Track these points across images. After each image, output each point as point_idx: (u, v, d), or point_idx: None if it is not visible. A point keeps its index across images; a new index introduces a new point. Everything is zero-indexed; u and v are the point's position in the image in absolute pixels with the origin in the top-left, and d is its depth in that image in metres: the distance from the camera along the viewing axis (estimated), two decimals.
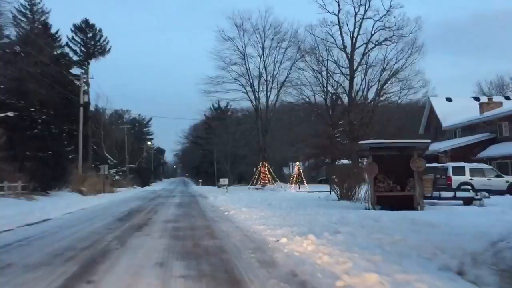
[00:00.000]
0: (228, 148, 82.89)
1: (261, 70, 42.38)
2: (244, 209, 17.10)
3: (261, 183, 41.62)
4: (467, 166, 25.74)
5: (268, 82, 41.85)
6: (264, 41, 42.75)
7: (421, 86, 44.04)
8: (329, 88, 48.40)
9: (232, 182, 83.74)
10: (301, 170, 31.02)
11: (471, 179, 24.56)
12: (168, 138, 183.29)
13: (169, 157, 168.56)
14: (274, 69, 42.14)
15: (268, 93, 42.05)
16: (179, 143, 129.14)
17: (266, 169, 42.32)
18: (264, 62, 42.35)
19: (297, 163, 30.32)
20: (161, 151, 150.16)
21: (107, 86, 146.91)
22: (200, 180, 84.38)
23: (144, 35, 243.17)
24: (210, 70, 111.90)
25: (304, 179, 33.26)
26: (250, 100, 42.42)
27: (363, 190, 19.00)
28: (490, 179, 24.84)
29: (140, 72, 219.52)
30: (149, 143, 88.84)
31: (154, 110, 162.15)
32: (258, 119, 41.60)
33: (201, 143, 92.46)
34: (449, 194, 19.00)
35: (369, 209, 16.04)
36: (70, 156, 35.58)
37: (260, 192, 32.17)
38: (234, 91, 42.67)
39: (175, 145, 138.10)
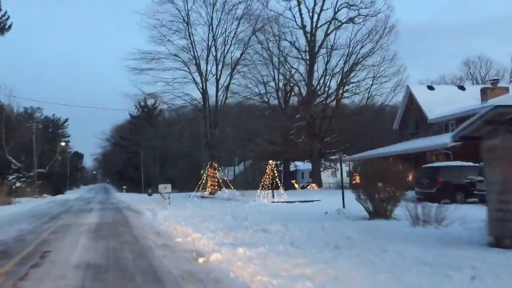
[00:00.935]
0: (157, 150, 72.55)
1: (209, 43, 33.13)
2: (241, 249, 8.12)
3: (210, 190, 32.40)
4: None
5: (218, 61, 32.79)
6: (214, 6, 33.39)
7: (393, 74, 37.14)
8: (284, 74, 40.37)
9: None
10: (275, 172, 22.28)
11: None
12: (88, 142, 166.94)
13: (88, 162, 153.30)
14: (225, 43, 33.15)
15: (219, 74, 32.90)
16: (100, 146, 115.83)
17: (217, 171, 33.20)
18: (214, 33, 33.09)
19: (270, 162, 21.73)
20: (79, 156, 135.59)
21: (13, 80, 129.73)
22: (124, 187, 72.97)
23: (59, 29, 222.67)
24: (142, 45, 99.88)
25: (280, 184, 24.43)
26: (196, 82, 32.95)
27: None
28: None
29: (58, 70, 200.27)
30: (62, 143, 75.73)
31: (72, 111, 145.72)
32: (206, 106, 32.23)
33: (126, 145, 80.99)
34: None
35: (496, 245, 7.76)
36: None
37: (215, 203, 22.99)
38: (174, 69, 33.00)
39: (95, 149, 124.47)
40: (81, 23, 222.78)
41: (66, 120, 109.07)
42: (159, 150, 71.68)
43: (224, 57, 33.05)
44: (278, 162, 48.69)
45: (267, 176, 22.81)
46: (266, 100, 41.40)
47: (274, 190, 22.09)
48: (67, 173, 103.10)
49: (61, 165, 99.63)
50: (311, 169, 40.29)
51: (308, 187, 38.88)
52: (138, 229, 13.23)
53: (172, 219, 15.04)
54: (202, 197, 30.36)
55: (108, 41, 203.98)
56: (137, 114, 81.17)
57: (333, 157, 42.21)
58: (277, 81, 40.80)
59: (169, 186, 21.34)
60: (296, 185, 38.14)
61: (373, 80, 36.85)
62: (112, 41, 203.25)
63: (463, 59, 68.03)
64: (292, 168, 45.22)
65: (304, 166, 45.71)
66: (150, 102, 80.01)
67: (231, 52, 33.71)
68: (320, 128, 38.23)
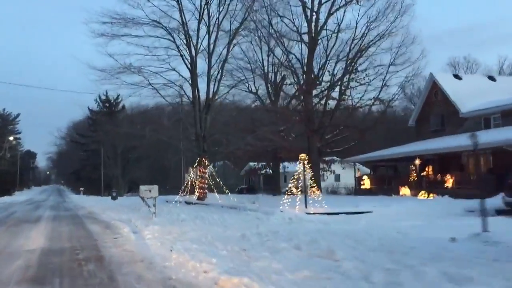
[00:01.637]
0: (119, 148, 64.49)
1: (201, 5, 25.79)
2: None
3: (199, 193, 25.38)
4: None
5: (211, 30, 25.70)
6: None
7: (419, 58, 31.00)
8: (278, 60, 34.10)
9: (124, 191, 65.57)
10: (306, 170, 15.68)
11: None
12: (41, 141, 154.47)
13: (42, 162, 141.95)
14: (220, 8, 25.98)
15: (211, 46, 25.84)
16: (54, 144, 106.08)
17: (207, 171, 26.28)
18: None
19: (302, 156, 15.31)
20: (31, 154, 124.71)
21: None
22: (81, 189, 64.74)
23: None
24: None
25: (319, 188, 17.99)
26: (182, 55, 25.77)
27: None
28: None
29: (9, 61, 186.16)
30: (11, 138, 66.94)
31: (25, 105, 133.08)
32: (195, 86, 25.18)
33: (84, 142, 72.44)
34: None
35: None
36: None
37: (216, 213, 16.22)
38: (154, 37, 25.62)
39: (49, 147, 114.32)
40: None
41: (18, 115, 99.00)
42: (121, 149, 63.92)
43: (219, 26, 26.13)
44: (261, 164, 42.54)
45: (296, 177, 16.39)
46: (255, 90, 35.07)
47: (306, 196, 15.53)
48: (17, 172, 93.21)
49: (10, 163, 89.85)
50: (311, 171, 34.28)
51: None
52: (128, 273, 6.59)
53: (178, 244, 8.53)
54: (188, 202, 23.55)
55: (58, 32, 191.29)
56: (97, 109, 72.83)
57: (328, 158, 36.28)
58: (269, 66, 34.61)
59: (155, 188, 14.54)
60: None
61: (388, 67, 30.97)
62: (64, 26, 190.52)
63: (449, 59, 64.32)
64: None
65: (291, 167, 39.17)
66: (112, 96, 72.19)
67: (230, 18, 26.60)
68: (321, 123, 32.22)
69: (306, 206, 15.04)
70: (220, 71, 26.83)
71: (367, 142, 34.90)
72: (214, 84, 26.74)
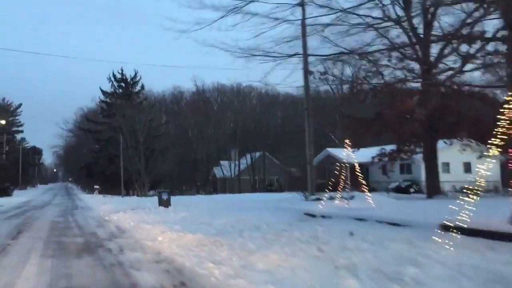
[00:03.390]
0: (141, 135, 50.79)
1: None
2: None
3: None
4: None
5: None
6: None
7: None
8: None
9: (144, 191, 51.40)
10: None
11: None
12: (46, 135, 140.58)
13: (48, 159, 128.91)
14: None
15: None
16: (61, 137, 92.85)
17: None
18: None
19: None
20: (37, 150, 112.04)
21: None
22: (96, 187, 51.12)
23: None
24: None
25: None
26: None
27: None
28: None
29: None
30: (2, 121, 53.27)
31: (27, 94, 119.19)
32: None
33: (97, 130, 58.83)
34: None
35: None
36: None
37: None
38: None
39: (55, 139, 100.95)
40: None
41: (19, 106, 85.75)
42: (144, 137, 50.34)
43: None
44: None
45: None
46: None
47: None
48: (19, 169, 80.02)
49: (11, 158, 76.68)
50: (426, 161, 19.96)
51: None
52: None
53: None
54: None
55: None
56: (111, 90, 59.23)
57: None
58: None
59: None
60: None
61: None
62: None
63: None
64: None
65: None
66: (129, 73, 58.69)
67: None
68: None
69: None
70: None
71: None
72: None
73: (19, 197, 46.85)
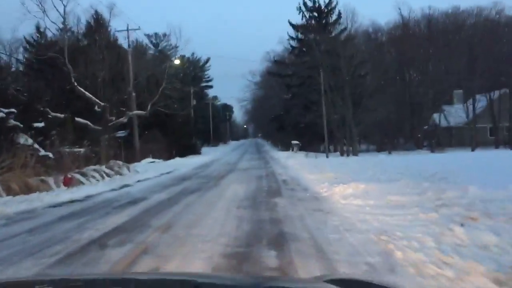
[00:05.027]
0: (348, 74, 37.34)
1: None
2: None
3: None
4: None
5: None
6: None
7: None
8: None
9: (354, 146, 37.57)
10: None
11: None
12: (235, 90, 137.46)
13: (238, 116, 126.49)
14: None
15: None
16: (248, 90, 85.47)
17: None
18: None
19: None
20: (227, 108, 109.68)
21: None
22: (295, 142, 40.04)
23: None
24: None
25: None
26: None
27: None
28: None
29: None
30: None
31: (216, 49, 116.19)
32: None
33: (287, 74, 47.78)
34: None
35: None
36: None
37: None
38: None
39: (243, 94, 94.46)
40: None
41: (208, 60, 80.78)
42: (350, 76, 36.90)
43: None
44: None
45: None
46: None
47: None
48: (210, 125, 75.52)
49: (199, 114, 71.73)
50: None
51: None
52: None
53: None
54: None
55: None
56: (303, 22, 46.77)
57: None
58: None
59: None
60: None
61: None
62: None
63: None
64: None
65: None
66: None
67: None
68: None
69: None
70: None
71: None
72: None
73: (204, 155, 38.94)
